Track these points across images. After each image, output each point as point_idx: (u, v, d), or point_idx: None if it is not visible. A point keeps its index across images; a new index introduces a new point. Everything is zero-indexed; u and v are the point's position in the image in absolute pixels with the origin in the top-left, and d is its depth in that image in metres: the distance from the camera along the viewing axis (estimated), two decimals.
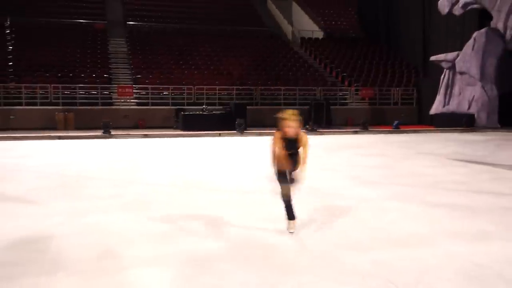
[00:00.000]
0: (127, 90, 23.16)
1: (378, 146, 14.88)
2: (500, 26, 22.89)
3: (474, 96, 22.61)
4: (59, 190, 7.25)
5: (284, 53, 31.07)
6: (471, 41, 22.95)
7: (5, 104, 21.28)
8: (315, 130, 20.29)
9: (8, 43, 24.86)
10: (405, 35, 30.42)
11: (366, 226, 5.11)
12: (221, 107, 22.67)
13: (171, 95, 23.59)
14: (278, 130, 4.56)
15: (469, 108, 22.72)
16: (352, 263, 3.93)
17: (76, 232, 4.89)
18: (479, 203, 6.24)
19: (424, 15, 28.23)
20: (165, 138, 17.75)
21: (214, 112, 21.37)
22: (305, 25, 36.95)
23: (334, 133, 20.17)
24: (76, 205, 6.16)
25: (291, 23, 37.47)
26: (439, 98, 24.37)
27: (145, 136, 18.18)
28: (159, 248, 4.36)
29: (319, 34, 35.38)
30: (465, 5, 23.84)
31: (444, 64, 24.34)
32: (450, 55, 24.00)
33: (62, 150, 13.36)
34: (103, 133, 17.95)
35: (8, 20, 26.03)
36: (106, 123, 18.22)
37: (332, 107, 23.90)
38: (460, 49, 23.69)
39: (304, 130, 4.89)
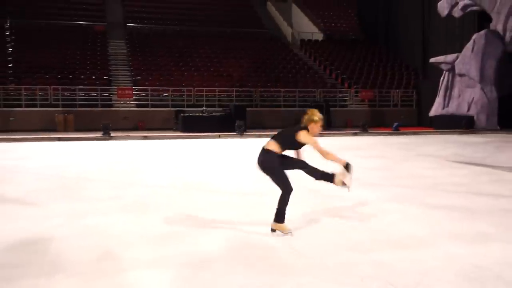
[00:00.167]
0: (126, 91, 23.17)
1: (378, 148, 14.89)
2: (499, 28, 22.91)
3: (473, 98, 22.62)
4: (59, 191, 7.25)
5: (283, 55, 31.09)
6: (470, 43, 22.96)
7: (5, 106, 21.27)
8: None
9: (8, 45, 24.84)
10: (405, 37, 30.44)
11: (366, 227, 5.11)
12: (220, 108, 22.67)
13: (171, 96, 23.60)
14: (305, 129, 4.80)
15: (468, 110, 22.72)
16: (351, 264, 3.93)
17: (75, 234, 4.89)
18: (478, 205, 6.25)
19: (424, 17, 28.26)
20: (165, 140, 17.75)
21: (213, 113, 21.38)
22: (304, 27, 36.97)
23: (333, 135, 20.17)
24: (76, 207, 6.16)
25: (290, 25, 37.49)
26: (439, 100, 24.38)
27: (145, 137, 18.17)
28: (159, 250, 4.36)
29: (319, 36, 35.42)
30: (465, 7, 23.87)
31: (443, 66, 24.35)
32: (449, 57, 24.01)
33: (61, 152, 13.36)
34: (103, 134, 17.94)
35: (8, 22, 26.01)
36: (106, 124, 18.21)
37: (331, 109, 23.90)
38: (460, 51, 23.70)
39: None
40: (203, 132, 19.03)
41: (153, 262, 4.03)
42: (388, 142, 17.07)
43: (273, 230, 4.81)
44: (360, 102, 26.76)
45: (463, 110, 22.94)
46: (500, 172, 9.36)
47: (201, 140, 17.59)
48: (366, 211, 5.87)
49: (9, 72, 23.07)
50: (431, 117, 24.66)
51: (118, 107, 23.07)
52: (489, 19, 23.53)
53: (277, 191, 4.80)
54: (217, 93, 24.26)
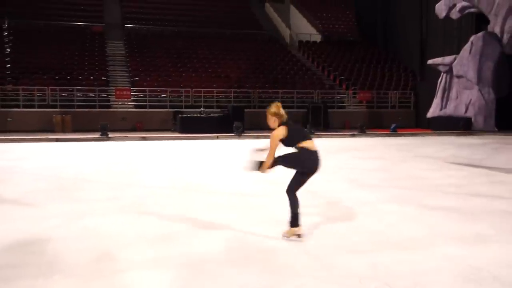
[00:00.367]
0: (124, 92, 23.14)
1: (376, 149, 14.90)
2: (497, 30, 22.98)
3: (471, 99, 22.67)
4: (57, 192, 7.23)
5: (282, 56, 31.11)
6: (468, 45, 23.02)
7: (3, 106, 21.21)
8: (313, 133, 20.29)
9: (6, 45, 24.81)
10: (403, 39, 30.50)
11: (364, 229, 5.11)
12: (219, 110, 22.68)
13: (169, 97, 23.59)
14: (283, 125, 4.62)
15: (466, 111, 22.77)
16: (350, 265, 3.93)
17: (73, 234, 4.88)
18: (476, 206, 6.26)
19: (422, 18, 28.31)
20: (163, 141, 17.73)
21: (212, 115, 21.38)
22: (303, 28, 37.02)
23: (331, 136, 20.19)
24: (73, 207, 6.15)
25: (289, 26, 37.53)
26: (436, 101, 24.43)
27: (143, 138, 18.15)
28: (157, 251, 4.35)
29: (317, 37, 35.46)
30: (462, 9, 23.93)
31: (441, 68, 24.41)
32: (447, 59, 24.07)
33: (59, 153, 13.33)
34: (101, 135, 17.91)
35: (6, 23, 26.00)
36: (104, 125, 18.19)
37: (329, 110, 23.94)
38: (458, 52, 23.76)
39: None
40: (201, 133, 19.02)
41: (151, 262, 4.02)
42: (386, 143, 17.09)
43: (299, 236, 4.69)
44: (358, 103, 26.79)
45: (461, 112, 22.98)
46: (498, 173, 9.38)
47: (199, 141, 17.58)
48: (364, 212, 5.87)
49: (7, 72, 23.03)
50: (428, 118, 24.71)
51: (116, 108, 23.04)
52: (487, 21, 23.60)
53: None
54: (215, 94, 24.26)
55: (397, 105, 26.77)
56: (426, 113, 24.91)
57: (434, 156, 12.47)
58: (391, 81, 28.28)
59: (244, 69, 27.74)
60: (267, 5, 41.35)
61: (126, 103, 23.42)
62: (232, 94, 24.46)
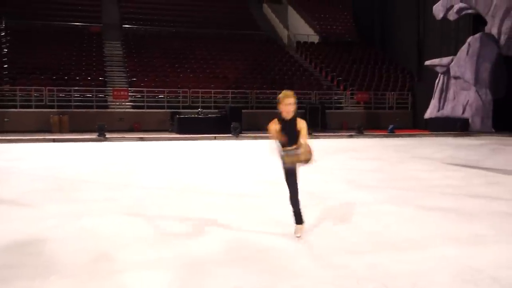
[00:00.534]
0: (122, 93, 23.12)
1: (374, 150, 14.91)
2: (494, 31, 23.04)
3: (468, 100, 22.72)
4: (54, 193, 7.21)
5: (279, 57, 31.13)
6: (465, 46, 23.07)
7: (0, 107, 21.17)
8: (310, 134, 20.29)
9: (3, 46, 24.77)
10: (400, 40, 30.57)
11: (362, 229, 5.11)
12: (216, 110, 22.68)
13: (167, 98, 23.58)
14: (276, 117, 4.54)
15: (463, 112, 22.82)
16: (347, 266, 3.92)
17: (70, 235, 4.86)
18: (474, 207, 6.26)
19: (419, 20, 28.38)
20: (161, 141, 17.71)
21: (209, 115, 21.37)
22: (300, 29, 37.05)
23: (329, 137, 20.20)
24: (71, 208, 6.13)
25: (286, 27, 37.56)
26: (434, 102, 24.48)
27: (140, 139, 18.13)
28: (155, 251, 4.34)
29: (315, 38, 35.49)
30: (460, 10, 24.00)
31: (438, 69, 24.46)
32: (444, 60, 24.12)
33: (56, 153, 13.30)
34: (98, 136, 17.88)
35: (3, 23, 25.96)
36: (101, 126, 18.16)
37: (327, 111, 23.96)
38: (455, 54, 23.81)
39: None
40: (199, 133, 19.01)
41: (149, 263, 4.01)
42: (384, 144, 17.10)
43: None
44: (356, 104, 26.83)
45: (458, 113, 23.04)
46: (496, 174, 9.40)
47: (196, 142, 17.56)
48: (362, 213, 5.86)
49: (4, 73, 22.98)
50: (426, 119, 24.75)
51: (114, 108, 23.02)
52: (484, 22, 23.67)
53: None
54: (212, 95, 24.26)
55: (395, 106, 26.82)
56: (423, 114, 24.96)
57: (432, 157, 12.49)
58: (388, 82, 28.32)
59: (242, 70, 27.74)
60: (265, 6, 41.39)
61: (123, 103, 23.39)
62: (230, 95, 24.46)
